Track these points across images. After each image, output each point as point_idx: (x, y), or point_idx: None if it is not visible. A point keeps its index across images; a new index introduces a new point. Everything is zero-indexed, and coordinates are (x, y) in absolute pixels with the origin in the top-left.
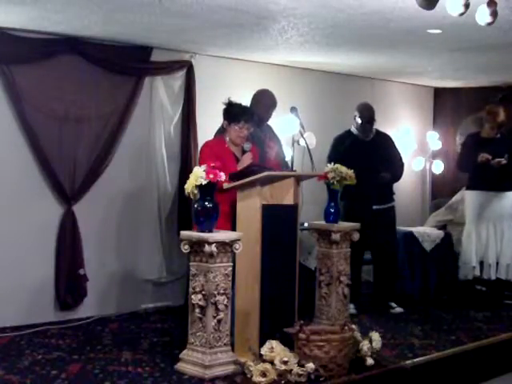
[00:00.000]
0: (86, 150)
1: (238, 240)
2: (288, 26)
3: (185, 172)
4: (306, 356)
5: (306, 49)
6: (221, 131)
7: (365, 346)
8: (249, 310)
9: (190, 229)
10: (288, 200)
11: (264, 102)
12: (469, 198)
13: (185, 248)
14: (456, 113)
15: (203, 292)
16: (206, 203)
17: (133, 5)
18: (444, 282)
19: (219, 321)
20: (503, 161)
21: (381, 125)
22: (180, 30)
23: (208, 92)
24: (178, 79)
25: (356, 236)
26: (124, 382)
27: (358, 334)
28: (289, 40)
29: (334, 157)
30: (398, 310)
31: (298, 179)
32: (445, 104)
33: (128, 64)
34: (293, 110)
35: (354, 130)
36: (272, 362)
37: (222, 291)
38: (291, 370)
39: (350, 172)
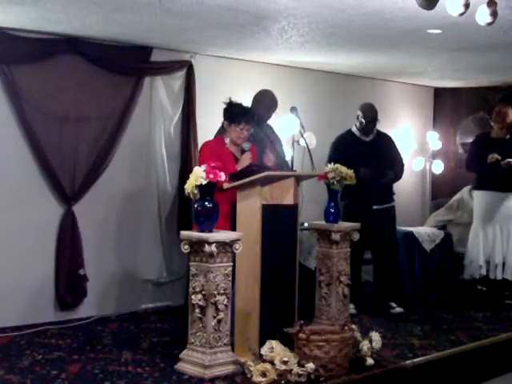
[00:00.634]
0: (86, 150)
1: (238, 240)
2: (288, 26)
3: (185, 172)
4: (306, 356)
5: (306, 49)
6: (221, 131)
7: (365, 346)
8: (249, 310)
9: (189, 229)
10: (288, 200)
11: (265, 102)
12: (477, 198)
13: (185, 248)
14: (456, 113)
15: (203, 292)
16: (206, 203)
17: (133, 5)
18: (444, 282)
19: (219, 321)
20: None
21: (381, 125)
22: (180, 30)
23: (208, 92)
24: (177, 79)
25: (356, 236)
26: (124, 382)
27: (358, 334)
28: (289, 40)
29: (334, 157)
30: (398, 309)
31: (298, 179)
32: (445, 104)
33: (128, 64)
34: (293, 109)
35: (354, 129)
36: (272, 362)
37: (222, 291)
38: (291, 370)
39: (350, 172)
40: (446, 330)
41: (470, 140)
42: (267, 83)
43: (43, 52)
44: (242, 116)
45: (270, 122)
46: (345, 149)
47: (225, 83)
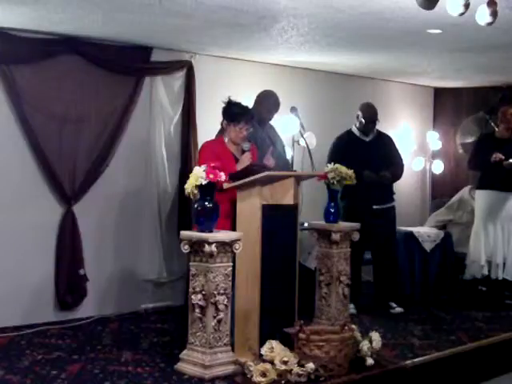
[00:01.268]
0: (86, 150)
1: (238, 240)
2: (288, 26)
3: (185, 172)
4: (306, 356)
5: (306, 49)
6: (222, 132)
7: (365, 346)
8: (249, 310)
9: (189, 229)
10: (288, 200)
11: (267, 102)
12: (479, 197)
13: (185, 248)
14: (456, 113)
15: (203, 292)
16: (206, 203)
17: (133, 5)
18: (444, 282)
19: (219, 321)
20: None
21: (381, 125)
22: (180, 30)
23: (208, 92)
24: (178, 79)
25: (356, 236)
26: (124, 382)
27: (358, 334)
28: (289, 40)
29: (334, 157)
30: (398, 309)
31: (298, 179)
32: (445, 104)
33: (128, 64)
34: (293, 109)
35: (354, 129)
36: (272, 362)
37: (222, 291)
38: (291, 369)
39: (350, 172)
40: (446, 330)
41: (470, 140)
42: (267, 83)
43: (43, 52)
44: (241, 115)
45: (271, 122)
46: (345, 149)
47: (225, 83)
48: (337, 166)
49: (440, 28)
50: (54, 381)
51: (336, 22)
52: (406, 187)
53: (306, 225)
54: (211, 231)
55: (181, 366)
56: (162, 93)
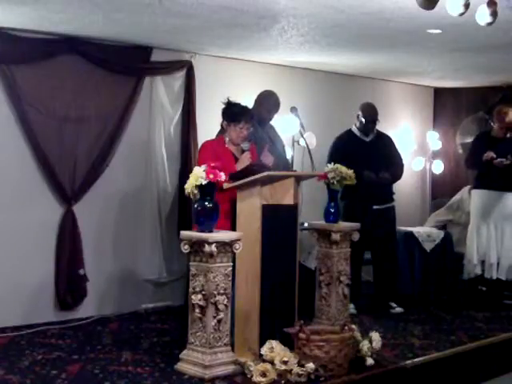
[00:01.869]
0: (86, 150)
1: (238, 240)
2: (288, 26)
3: (185, 172)
4: (306, 356)
5: (306, 49)
6: (222, 132)
7: (365, 346)
8: (249, 310)
9: (189, 229)
10: (288, 200)
11: (267, 102)
12: (473, 197)
13: (185, 248)
14: (456, 113)
15: (203, 292)
16: (206, 203)
17: (133, 5)
18: (444, 282)
19: (219, 321)
20: (505, 161)
21: (381, 125)
22: (180, 30)
23: (208, 92)
24: (178, 79)
25: (356, 236)
26: (124, 381)
27: (358, 334)
28: (289, 40)
29: (334, 157)
30: (398, 309)
31: (298, 179)
32: (445, 104)
33: (128, 64)
34: (293, 109)
35: (354, 129)
36: (272, 362)
37: (222, 291)
38: (291, 369)
39: (350, 172)
40: (446, 330)
41: (470, 140)
42: (267, 83)
43: (43, 52)
44: (240, 115)
45: (271, 122)
46: (345, 149)
47: (225, 83)
48: (337, 165)
49: (440, 28)
50: (54, 381)
51: (336, 22)
52: (406, 187)
53: (306, 225)
54: (211, 231)
55: (181, 366)
56: (162, 93)
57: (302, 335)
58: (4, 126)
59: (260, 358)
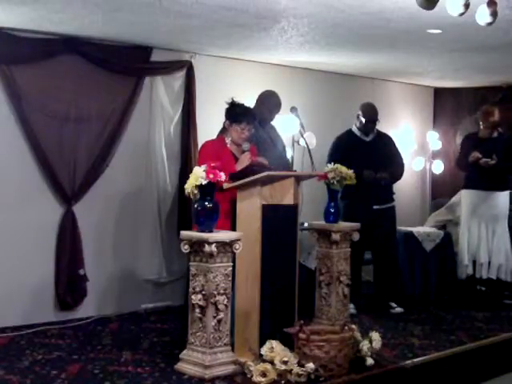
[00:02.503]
0: (86, 150)
1: (238, 240)
2: (288, 26)
3: (185, 172)
4: (306, 356)
5: (306, 49)
6: (223, 131)
7: (365, 346)
8: (249, 310)
9: (189, 229)
10: (288, 200)
11: (268, 103)
12: (463, 197)
13: (185, 248)
14: (456, 113)
15: (203, 292)
16: (206, 203)
17: (133, 5)
18: (444, 282)
19: (219, 321)
20: (490, 161)
21: (381, 125)
22: (180, 30)
23: (208, 92)
24: (178, 79)
25: (356, 236)
26: (124, 381)
27: (358, 334)
28: (289, 40)
29: (334, 157)
30: (398, 309)
31: (298, 179)
32: (445, 104)
33: (128, 64)
34: (293, 110)
35: (354, 129)
36: (272, 362)
37: (222, 291)
38: (291, 369)
39: (350, 172)
40: (446, 330)
41: None
42: (267, 83)
43: (43, 52)
44: (243, 116)
45: (272, 122)
46: (345, 149)
47: (225, 83)
48: (337, 165)
49: (440, 28)
50: (54, 381)
51: (336, 21)
52: (406, 187)
53: (306, 225)
54: (211, 231)
55: (181, 366)
56: (162, 93)
57: (302, 335)
58: (4, 126)
59: (260, 358)
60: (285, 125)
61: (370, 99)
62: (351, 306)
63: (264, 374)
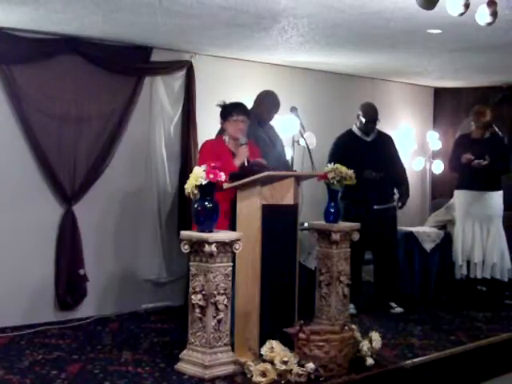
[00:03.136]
0: (86, 149)
1: (238, 240)
2: (288, 26)
3: (185, 172)
4: (306, 356)
5: (306, 49)
6: (221, 132)
7: (365, 346)
8: (249, 310)
9: (189, 229)
10: (288, 200)
11: (267, 102)
12: (457, 198)
13: (185, 248)
14: (456, 113)
15: (203, 292)
16: (206, 203)
17: (133, 5)
18: (444, 282)
19: (219, 321)
20: (483, 162)
21: (381, 125)
22: (180, 30)
23: (208, 92)
24: (178, 79)
25: (356, 236)
26: (124, 381)
27: (358, 334)
28: (289, 40)
29: (334, 157)
30: (398, 309)
31: (298, 179)
32: (445, 104)
33: (128, 64)
34: (293, 109)
35: (355, 129)
36: (272, 362)
37: (222, 291)
38: (291, 369)
39: (350, 172)
40: (446, 330)
41: None
42: (267, 83)
43: (43, 52)
44: (233, 107)
45: (271, 122)
46: (345, 148)
47: (225, 83)
48: (337, 165)
49: (440, 28)
50: (54, 381)
51: (336, 21)
52: None
53: (306, 225)
54: (211, 231)
55: (181, 366)
56: (162, 93)
57: (302, 335)
58: (4, 126)
59: (260, 358)
60: (285, 125)
61: (370, 99)
62: (351, 306)
63: (264, 374)
